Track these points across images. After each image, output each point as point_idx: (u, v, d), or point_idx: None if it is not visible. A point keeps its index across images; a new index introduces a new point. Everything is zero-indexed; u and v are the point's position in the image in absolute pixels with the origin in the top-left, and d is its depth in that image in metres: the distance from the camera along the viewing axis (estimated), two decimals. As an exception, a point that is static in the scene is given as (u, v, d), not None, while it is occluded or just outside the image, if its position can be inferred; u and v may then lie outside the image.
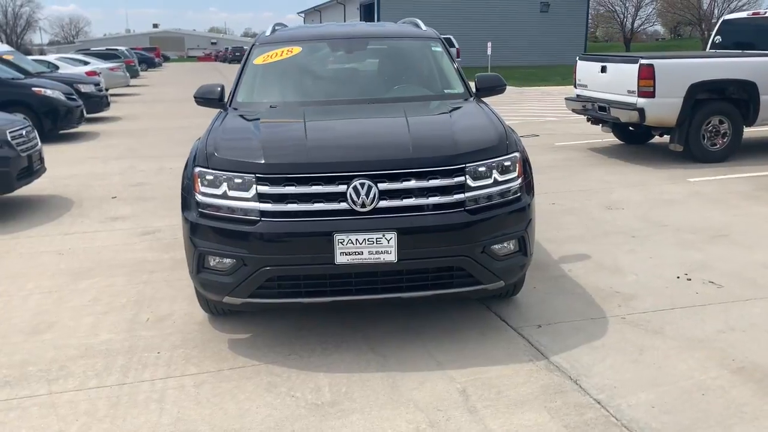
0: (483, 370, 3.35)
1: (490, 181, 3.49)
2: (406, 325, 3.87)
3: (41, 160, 7.23)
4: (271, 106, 4.38)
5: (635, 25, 62.94)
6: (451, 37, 30.65)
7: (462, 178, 3.41)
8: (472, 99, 4.53)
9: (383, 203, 3.33)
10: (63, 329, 3.96)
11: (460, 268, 3.42)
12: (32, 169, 6.87)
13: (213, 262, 3.45)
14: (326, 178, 3.33)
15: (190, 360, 3.55)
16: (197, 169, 3.52)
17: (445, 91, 4.69)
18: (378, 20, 42.00)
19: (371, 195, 3.30)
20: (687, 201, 6.68)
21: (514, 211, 3.56)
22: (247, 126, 3.91)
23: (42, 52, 50.19)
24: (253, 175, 3.36)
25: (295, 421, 2.95)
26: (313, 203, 3.31)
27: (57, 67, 19.51)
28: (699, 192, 7.04)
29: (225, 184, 3.41)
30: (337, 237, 3.26)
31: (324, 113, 4.23)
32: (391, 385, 3.23)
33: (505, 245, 3.57)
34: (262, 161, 3.38)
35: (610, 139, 10.39)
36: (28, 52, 37.61)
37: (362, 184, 3.30)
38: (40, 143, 7.22)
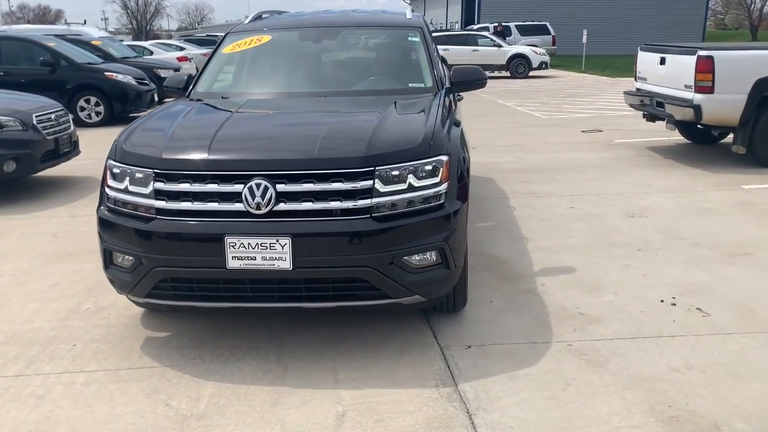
0: (377, 393, 3.06)
1: (403, 186, 3.16)
2: (327, 335, 3.62)
3: (73, 143, 7.50)
4: (222, 97, 4.24)
5: (764, 10, 57.94)
6: (547, 24, 29.44)
7: (369, 182, 3.11)
8: (438, 94, 4.18)
9: (281, 206, 3.09)
10: (6, 313, 4.03)
11: (363, 279, 3.14)
12: (59, 152, 7.14)
13: (117, 258, 3.36)
14: (223, 176, 3.14)
15: (97, 355, 3.49)
16: (108, 161, 3.44)
17: (410, 84, 4.36)
18: (479, 10, 41.12)
19: (267, 196, 3.07)
20: (726, 211, 5.93)
21: (432, 220, 3.21)
22: (171, 118, 3.78)
23: (169, 37, 53.03)
24: (151, 171, 3.23)
25: (152, 432, 2.81)
26: (207, 203, 3.14)
27: (151, 52, 20.46)
28: (746, 201, 6.24)
29: (128, 178, 3.30)
30: (229, 240, 3.06)
31: (264, 106, 4.04)
32: (273, 402, 3.01)
33: (422, 257, 3.24)
34: (161, 156, 3.24)
35: (678, 138, 9.51)
36: (156, 38, 39.82)
37: (258, 185, 3.08)
38: (72, 126, 7.49)
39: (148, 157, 3.27)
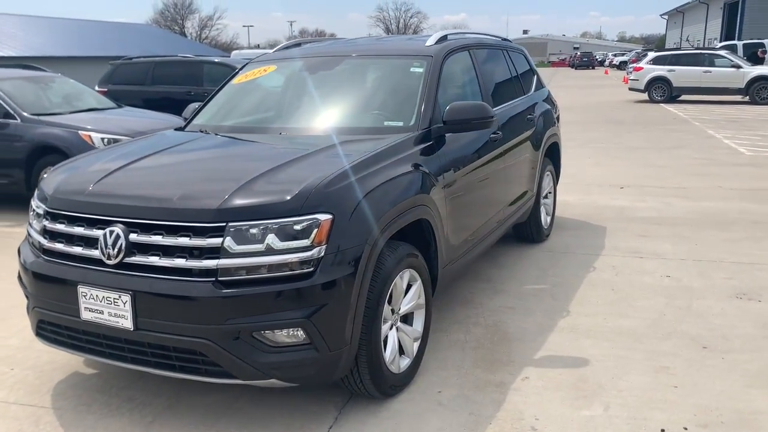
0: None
1: (260, 246, 2.67)
2: (222, 402, 3.23)
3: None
4: (200, 131, 4.07)
5: None
6: (765, 42, 25.08)
7: (218, 240, 2.68)
8: (416, 135, 3.56)
9: (133, 258, 2.80)
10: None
11: (203, 353, 2.71)
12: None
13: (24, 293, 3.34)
14: (89, 220, 2.94)
15: (17, 384, 3.51)
16: (35, 192, 3.46)
17: (387, 122, 3.76)
18: (740, 26, 36.47)
19: (118, 245, 2.81)
20: None
21: (293, 291, 2.67)
22: (107, 152, 3.68)
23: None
24: (43, 208, 3.15)
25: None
26: (73, 246, 2.96)
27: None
28: None
29: (32, 212, 3.28)
30: (81, 289, 2.86)
31: (214, 144, 3.76)
32: (91, 474, 2.73)
33: (282, 334, 2.71)
34: (50, 193, 3.15)
35: None
36: None
37: (111, 232, 2.83)
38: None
39: (44, 194, 3.21)
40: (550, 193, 6.02)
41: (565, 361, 3.59)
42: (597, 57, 68.59)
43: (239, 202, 2.74)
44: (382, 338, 3.07)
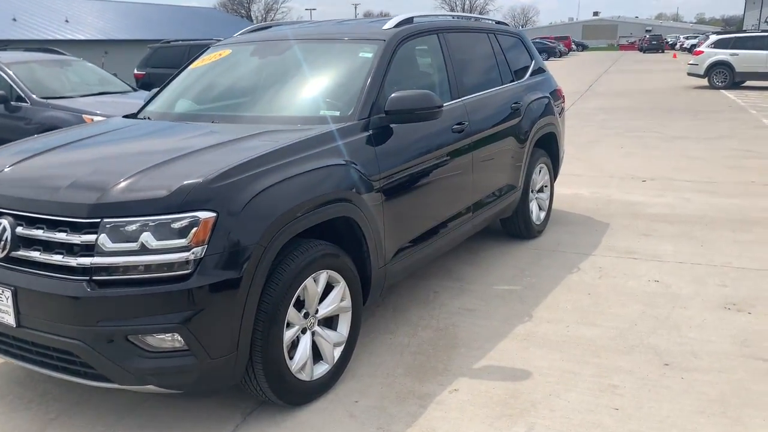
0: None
1: (134, 245, 2.51)
2: (136, 401, 3.11)
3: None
4: (144, 117, 3.94)
5: None
6: None
7: (92, 236, 2.54)
8: (345, 125, 3.33)
9: (18, 252, 2.70)
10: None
11: (77, 355, 2.58)
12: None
13: None
14: (-16, 211, 2.85)
15: (-56, 372, 3.50)
16: None
17: (322, 112, 3.53)
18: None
19: (4, 238, 2.71)
20: None
21: (167, 294, 2.51)
22: (30, 142, 3.59)
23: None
24: None
25: None
26: (-32, 239, 2.88)
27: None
28: None
29: None
30: (-31, 282, 2.78)
31: (139, 134, 3.62)
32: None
33: (162, 338, 2.56)
34: None
35: None
36: None
37: None
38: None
39: None
40: (546, 186, 5.66)
41: (505, 373, 3.31)
42: (668, 40, 65.68)
43: (116, 196, 2.59)
44: (286, 344, 2.87)
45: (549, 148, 5.63)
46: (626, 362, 3.40)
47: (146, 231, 2.51)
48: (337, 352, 3.20)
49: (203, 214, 2.54)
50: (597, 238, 5.46)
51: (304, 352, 3.00)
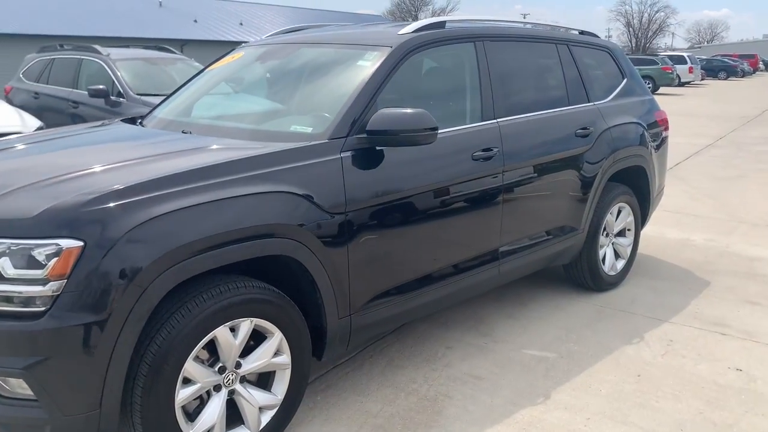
0: None
1: (-14, 274, 2.15)
2: None
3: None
4: (140, 122, 3.64)
5: None
6: None
7: (-51, 259, 2.21)
8: (309, 144, 2.79)
9: None
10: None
11: None
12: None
13: None
14: None
15: None
16: None
17: (293, 127, 2.99)
18: None
19: None
20: None
21: (16, 333, 2.12)
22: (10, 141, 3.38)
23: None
24: None
25: None
26: None
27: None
28: None
29: None
30: None
31: (110, 138, 3.30)
32: None
33: (13, 383, 2.18)
34: None
35: None
36: (653, 53, 39.49)
37: None
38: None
39: None
40: (628, 230, 4.70)
41: (469, 476, 2.59)
42: None
43: (-29, 217, 2.24)
44: (181, 403, 2.39)
45: (635, 185, 4.67)
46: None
47: (5, 256, 2.14)
48: (266, 417, 2.66)
49: (67, 243, 2.13)
50: (685, 300, 4.43)
51: (211, 415, 2.49)
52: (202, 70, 4.06)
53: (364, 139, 2.88)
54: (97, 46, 8.59)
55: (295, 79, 3.40)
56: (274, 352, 2.64)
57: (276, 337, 2.62)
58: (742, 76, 45.39)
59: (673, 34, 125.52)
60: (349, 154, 2.84)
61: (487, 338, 3.81)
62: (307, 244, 2.63)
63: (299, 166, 2.69)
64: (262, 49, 3.76)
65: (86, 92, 7.80)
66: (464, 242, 3.39)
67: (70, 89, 8.47)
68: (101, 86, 7.66)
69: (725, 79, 42.50)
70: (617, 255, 4.65)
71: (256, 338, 2.63)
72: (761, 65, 56.79)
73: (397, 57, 3.15)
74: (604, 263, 4.49)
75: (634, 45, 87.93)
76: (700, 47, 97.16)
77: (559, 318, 4.12)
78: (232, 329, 2.49)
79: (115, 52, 8.41)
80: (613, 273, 4.58)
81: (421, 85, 3.43)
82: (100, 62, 8.23)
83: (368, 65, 3.11)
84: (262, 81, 3.57)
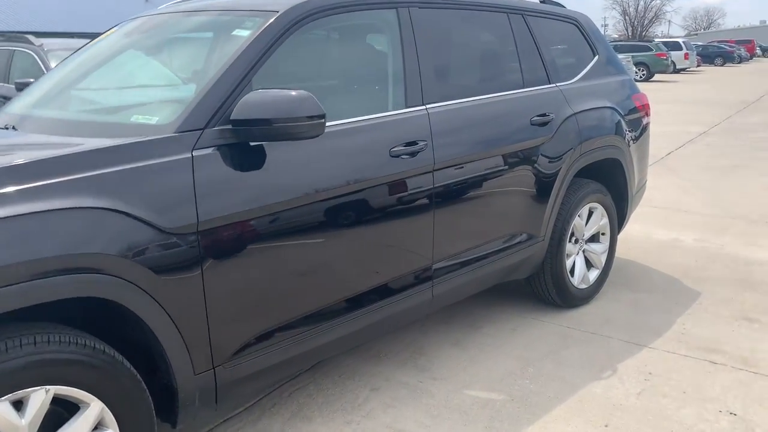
0: None
1: None
2: None
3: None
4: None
5: None
6: None
7: None
8: (146, 140, 2.06)
9: None
10: None
11: None
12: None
13: None
14: None
15: None
16: None
17: (135, 118, 2.27)
18: None
19: None
20: None
21: None
22: None
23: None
24: None
25: None
26: None
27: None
28: None
29: None
30: None
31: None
32: None
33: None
34: None
35: None
36: (648, 41, 38.48)
37: None
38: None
39: None
40: (602, 234, 3.99)
41: None
42: None
43: None
44: None
45: (610, 181, 3.95)
46: None
47: None
48: None
49: None
50: (669, 318, 3.72)
51: None
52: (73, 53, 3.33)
53: (229, 131, 2.16)
54: (31, 36, 7.86)
55: (155, 58, 2.68)
56: (92, 428, 1.93)
57: (93, 408, 1.91)
58: (739, 62, 44.50)
59: (669, 21, 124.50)
60: (206, 152, 2.12)
61: (423, 374, 3.10)
62: (135, 281, 1.91)
63: (126, 170, 1.96)
64: (137, 22, 3.02)
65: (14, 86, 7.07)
66: (381, 261, 2.67)
67: (1, 83, 7.73)
68: (31, 80, 6.91)
69: (722, 65, 41.72)
70: (589, 264, 3.93)
71: (71, 407, 1.93)
72: (758, 51, 55.92)
73: (284, 24, 2.42)
74: (572, 275, 3.78)
75: (630, 33, 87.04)
76: (696, 34, 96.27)
77: (515, 345, 3.41)
78: (16, 407, 1.77)
79: (49, 42, 7.68)
80: (584, 286, 3.87)
81: (322, 64, 2.72)
82: (32, 54, 7.49)
83: (245, 35, 2.39)
84: (120, 62, 2.83)
